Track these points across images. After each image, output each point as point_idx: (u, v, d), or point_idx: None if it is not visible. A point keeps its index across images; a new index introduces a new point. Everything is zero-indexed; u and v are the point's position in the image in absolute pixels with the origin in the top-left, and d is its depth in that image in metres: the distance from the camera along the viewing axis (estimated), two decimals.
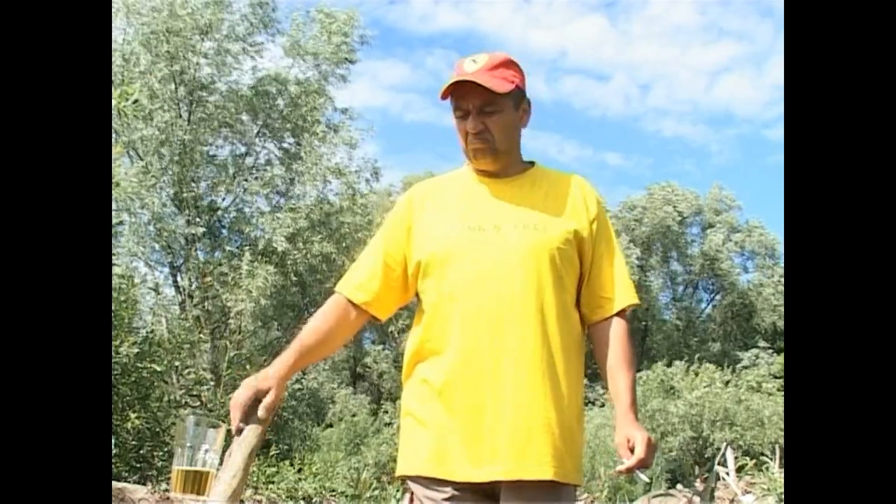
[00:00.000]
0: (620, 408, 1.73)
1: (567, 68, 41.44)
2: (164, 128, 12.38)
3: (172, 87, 12.64)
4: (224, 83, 13.32)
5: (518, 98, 1.79)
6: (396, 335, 19.92)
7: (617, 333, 1.78)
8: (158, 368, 6.75)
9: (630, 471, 1.67)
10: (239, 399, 1.74)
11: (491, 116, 1.74)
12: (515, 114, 1.79)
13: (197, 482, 1.47)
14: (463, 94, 1.73)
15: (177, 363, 7.58)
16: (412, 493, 1.77)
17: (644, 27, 39.82)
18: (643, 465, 1.65)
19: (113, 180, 11.36)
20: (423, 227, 1.79)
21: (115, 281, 6.90)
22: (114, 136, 12.24)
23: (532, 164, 1.86)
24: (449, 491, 1.68)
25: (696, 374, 14.80)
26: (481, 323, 1.68)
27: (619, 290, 1.79)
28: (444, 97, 1.76)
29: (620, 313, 1.80)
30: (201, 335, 10.66)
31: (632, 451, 1.66)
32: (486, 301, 1.68)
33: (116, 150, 10.36)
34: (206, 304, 12.67)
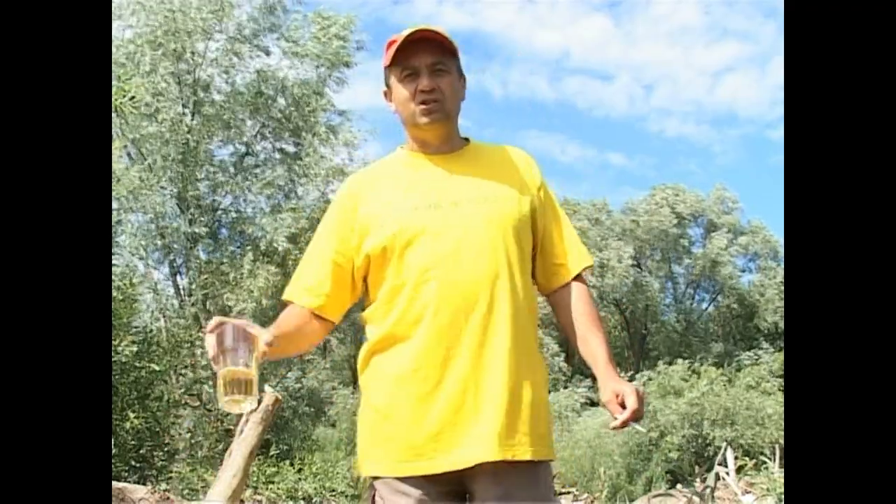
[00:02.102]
0: (600, 365, 1.69)
1: (571, 68, 41.40)
2: (168, 127, 12.40)
3: (177, 86, 12.65)
4: (228, 83, 13.34)
5: (460, 68, 1.77)
6: None
7: (579, 296, 1.76)
8: (157, 368, 6.75)
9: (625, 424, 1.64)
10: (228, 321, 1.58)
11: (442, 77, 1.70)
12: (458, 82, 1.75)
13: (241, 385, 1.48)
14: (412, 53, 1.69)
15: (176, 363, 7.58)
16: (375, 493, 1.67)
17: (648, 27, 39.80)
18: (637, 416, 1.63)
19: (118, 179, 11.40)
20: (372, 215, 1.71)
21: (114, 280, 6.90)
22: (116, 133, 12.26)
23: (468, 140, 1.82)
24: (419, 492, 1.61)
25: (697, 374, 14.79)
26: (454, 301, 1.61)
27: (573, 255, 1.78)
28: (389, 63, 1.71)
29: (578, 277, 1.78)
30: (200, 334, 10.66)
31: (622, 405, 1.64)
32: (456, 279, 1.62)
33: (115, 146, 10.36)
34: (206, 303, 12.66)
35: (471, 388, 1.60)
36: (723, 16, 39.68)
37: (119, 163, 12.28)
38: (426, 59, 1.69)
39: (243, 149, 13.82)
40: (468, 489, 1.63)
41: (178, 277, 13.25)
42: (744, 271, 27.14)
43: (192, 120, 12.80)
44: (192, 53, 12.67)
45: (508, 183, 1.74)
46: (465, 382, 1.60)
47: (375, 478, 1.68)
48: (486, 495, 1.60)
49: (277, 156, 13.84)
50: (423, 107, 1.70)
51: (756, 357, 17.94)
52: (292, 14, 13.72)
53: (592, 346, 1.72)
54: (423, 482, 1.61)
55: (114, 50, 12.58)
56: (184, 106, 12.80)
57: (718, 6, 39.48)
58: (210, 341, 1.52)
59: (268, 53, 13.50)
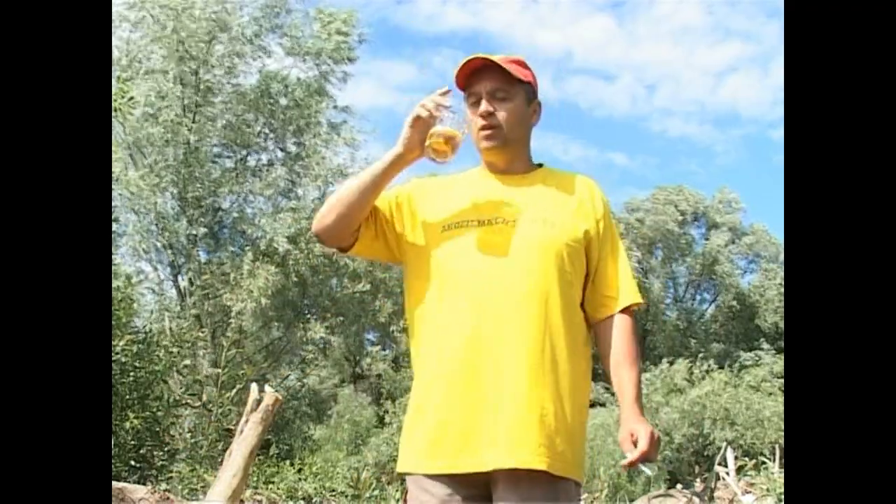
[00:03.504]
0: (625, 403, 1.74)
1: (573, 68, 41.21)
2: (169, 127, 12.38)
3: (180, 87, 12.63)
4: (231, 84, 13.33)
5: (530, 95, 1.84)
6: (397, 335, 19.94)
7: (620, 330, 1.79)
8: (157, 368, 6.75)
9: (633, 464, 1.68)
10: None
11: (503, 103, 1.78)
12: (526, 109, 1.83)
13: (450, 140, 1.71)
14: (475, 80, 1.78)
15: (176, 361, 7.57)
16: (407, 492, 1.77)
17: (650, 27, 39.64)
18: (646, 458, 1.67)
19: (117, 178, 11.39)
20: (431, 214, 1.80)
21: (114, 281, 6.90)
22: (119, 134, 12.29)
23: (540, 165, 1.90)
24: (444, 491, 1.68)
25: (698, 374, 14.80)
26: (486, 314, 1.68)
27: (623, 289, 1.81)
28: (460, 86, 1.81)
29: (625, 311, 1.81)
30: (199, 334, 10.66)
31: (635, 444, 1.68)
32: (492, 292, 1.69)
33: (115, 148, 10.36)
34: (206, 303, 12.67)
35: (487, 398, 1.66)
36: (725, 16, 39.61)
37: (120, 164, 12.32)
38: (486, 85, 1.78)
39: (245, 149, 13.81)
40: (492, 494, 1.68)
41: (179, 278, 13.25)
42: (745, 272, 27.15)
43: (194, 121, 12.79)
44: (197, 54, 12.65)
45: (567, 209, 1.80)
46: (482, 393, 1.67)
47: (407, 474, 1.75)
48: (504, 502, 1.66)
49: (279, 155, 13.85)
50: (482, 132, 1.79)
51: (757, 358, 17.95)
52: (294, 12, 13.74)
53: (623, 381, 1.76)
54: (449, 482, 1.68)
55: (119, 50, 12.63)
56: (185, 107, 12.79)
57: (721, 6, 39.43)
58: (435, 99, 1.71)
59: (269, 55, 13.51)
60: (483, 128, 1.78)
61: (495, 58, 1.78)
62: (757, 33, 39.01)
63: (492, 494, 1.68)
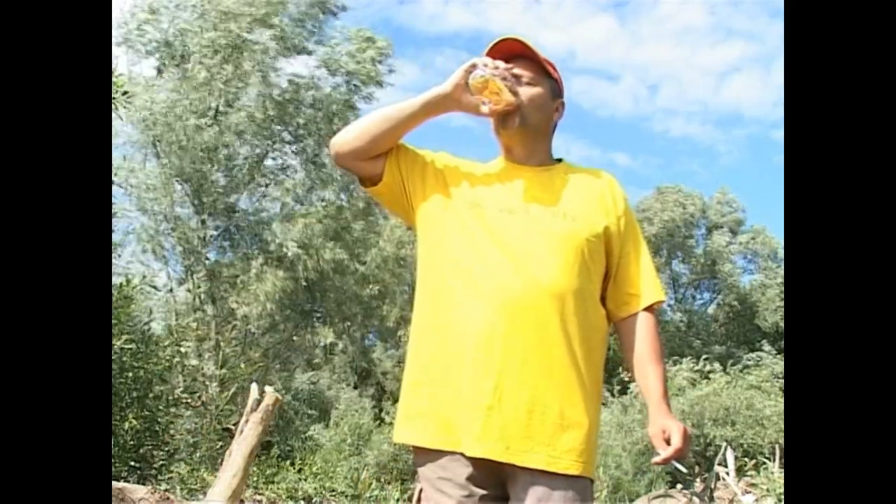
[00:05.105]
0: (653, 400, 1.74)
1: (576, 68, 41.17)
2: (186, 128, 12.36)
3: (206, 86, 12.59)
4: (255, 88, 13.31)
5: (556, 92, 1.85)
6: (403, 339, 19.96)
7: (644, 328, 1.79)
8: (157, 368, 6.74)
9: (666, 461, 1.68)
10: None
11: (528, 87, 1.78)
12: (550, 102, 1.83)
13: (499, 88, 1.72)
14: (509, 62, 1.78)
15: (176, 362, 7.57)
16: (420, 492, 1.77)
17: (653, 27, 39.67)
18: (679, 455, 1.67)
19: (128, 178, 11.36)
20: (456, 188, 1.80)
21: (118, 280, 6.90)
22: (143, 134, 12.30)
23: (560, 160, 1.90)
24: (464, 472, 1.66)
25: (701, 374, 14.80)
26: (503, 305, 1.66)
27: (646, 287, 1.80)
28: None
29: (648, 309, 1.80)
30: (199, 332, 10.66)
31: (667, 442, 1.68)
32: (510, 282, 1.67)
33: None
34: (212, 305, 12.66)
35: (493, 388, 1.65)
36: (728, 16, 39.62)
37: (134, 161, 12.33)
38: (516, 69, 1.78)
39: (263, 153, 13.84)
40: (508, 493, 1.69)
41: (187, 278, 13.24)
42: (744, 271, 27.18)
43: (214, 122, 12.75)
44: (226, 55, 12.63)
45: (588, 205, 1.79)
46: (488, 382, 1.65)
47: (420, 449, 1.73)
48: (510, 492, 1.67)
49: (297, 161, 13.88)
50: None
51: (758, 359, 17.94)
52: (330, 25, 13.87)
53: (650, 379, 1.76)
54: (468, 465, 1.66)
55: (149, 48, 12.69)
56: (206, 108, 12.74)
57: (724, 6, 39.44)
58: (496, 62, 1.73)
59: (295, 65, 13.59)
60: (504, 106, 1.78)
61: (533, 46, 1.78)
62: (759, 33, 39.03)
63: (508, 494, 1.67)
